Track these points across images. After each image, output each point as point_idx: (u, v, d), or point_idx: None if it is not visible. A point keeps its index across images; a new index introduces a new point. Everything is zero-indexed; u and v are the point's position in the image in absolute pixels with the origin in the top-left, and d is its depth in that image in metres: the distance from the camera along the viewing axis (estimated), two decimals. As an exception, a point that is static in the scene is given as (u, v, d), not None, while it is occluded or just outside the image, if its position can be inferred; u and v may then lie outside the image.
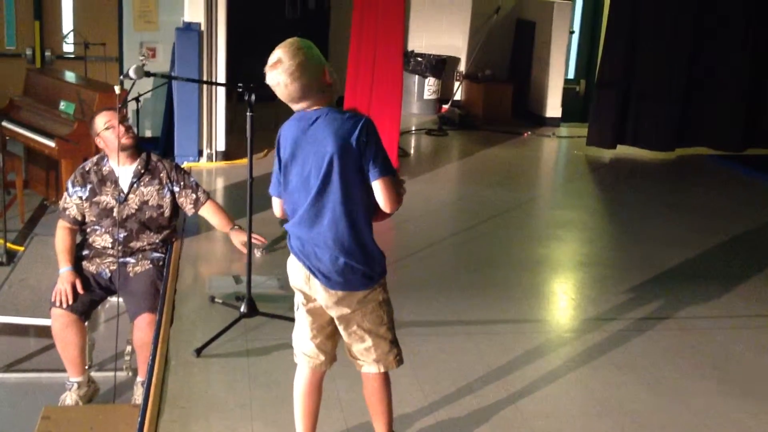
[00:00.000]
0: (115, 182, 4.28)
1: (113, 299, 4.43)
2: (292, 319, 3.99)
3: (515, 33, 10.78)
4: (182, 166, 4.56)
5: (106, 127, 4.23)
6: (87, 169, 4.34)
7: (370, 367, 2.84)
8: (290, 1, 10.57)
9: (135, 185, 4.29)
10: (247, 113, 3.85)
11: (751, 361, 3.99)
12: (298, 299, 2.88)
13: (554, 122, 9.89)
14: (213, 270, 4.84)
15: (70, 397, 4.12)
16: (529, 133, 9.47)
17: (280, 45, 2.70)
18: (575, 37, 10.98)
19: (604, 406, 3.47)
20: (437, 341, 3.97)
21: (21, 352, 4.77)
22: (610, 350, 4.00)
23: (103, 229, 4.28)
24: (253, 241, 4.21)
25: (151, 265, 4.29)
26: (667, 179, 8.04)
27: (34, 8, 8.67)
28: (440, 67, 10.41)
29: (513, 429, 3.25)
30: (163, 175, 4.34)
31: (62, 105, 6.74)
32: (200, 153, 7.37)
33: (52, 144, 6.42)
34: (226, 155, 7.49)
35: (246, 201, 3.97)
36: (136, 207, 4.29)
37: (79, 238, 4.44)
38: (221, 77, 7.29)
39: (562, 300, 4.81)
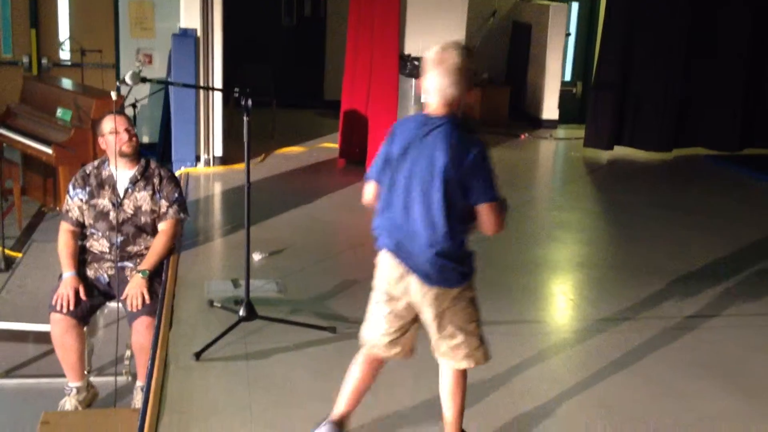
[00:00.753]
0: (113, 186, 4.29)
1: (112, 304, 4.43)
2: (291, 323, 4.04)
3: (511, 36, 10.80)
4: (176, 179, 4.51)
5: (110, 132, 4.24)
6: (88, 171, 4.35)
7: (459, 363, 2.91)
8: (287, 8, 10.59)
9: (130, 190, 4.30)
10: (244, 118, 3.86)
11: (747, 361, 3.99)
12: (381, 297, 2.90)
13: (551, 124, 9.90)
14: (211, 274, 4.84)
15: (69, 402, 4.11)
16: (527, 135, 9.48)
17: (450, 42, 2.83)
18: (571, 40, 11.00)
19: (603, 405, 3.47)
20: (436, 343, 3.97)
21: (20, 357, 4.76)
22: (609, 350, 4.00)
23: (100, 234, 4.28)
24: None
25: (149, 270, 4.29)
26: (664, 180, 8.05)
27: (30, 16, 8.68)
28: (437, 70, 10.42)
29: (512, 429, 3.25)
30: (156, 181, 4.35)
31: (59, 112, 6.75)
32: (198, 158, 7.37)
33: (49, 151, 6.42)
34: (224, 160, 7.49)
35: (243, 206, 3.97)
36: (131, 212, 4.30)
37: (79, 243, 4.44)
38: (218, 83, 7.30)
39: (561, 301, 4.82)
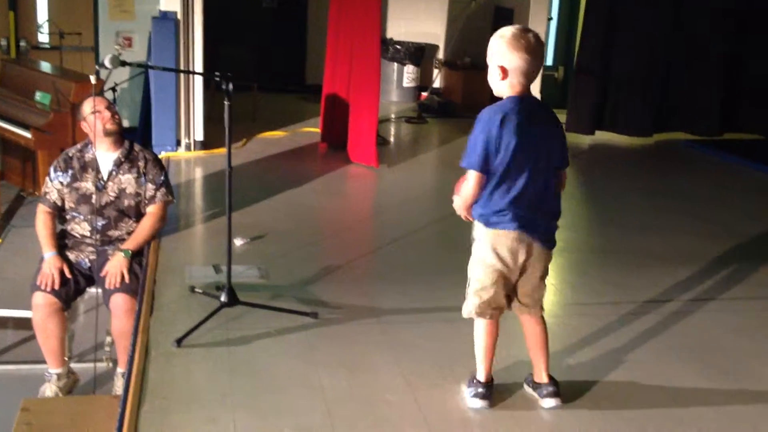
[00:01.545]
0: (97, 169, 4.26)
1: (92, 290, 4.41)
2: (273, 308, 4.03)
3: (493, 20, 10.78)
4: (161, 162, 4.50)
5: (91, 112, 4.21)
6: (70, 154, 4.33)
7: (538, 310, 3.28)
8: (267, -11, 10.53)
9: (114, 173, 4.28)
10: (225, 102, 3.83)
11: (728, 344, 4.02)
12: (497, 274, 3.14)
13: (533, 109, 9.90)
14: (193, 260, 4.82)
15: (49, 389, 4.10)
16: (508, 120, 9.48)
17: (533, 31, 3.03)
18: (553, 24, 11.01)
19: (583, 389, 3.49)
20: (418, 328, 3.98)
21: (-1, 344, 4.75)
22: (590, 334, 4.02)
23: (82, 217, 4.26)
24: None
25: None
26: (645, 164, 8.09)
27: (8, -2, 8.59)
28: (419, 54, 10.40)
29: (494, 413, 3.27)
30: (141, 164, 4.33)
31: (38, 95, 6.68)
32: (178, 143, 7.32)
33: (28, 135, 6.37)
34: (204, 145, 7.45)
35: (225, 191, 3.94)
36: (114, 195, 4.27)
37: (58, 228, 4.41)
38: (198, 66, 7.25)
39: (542, 286, 4.83)
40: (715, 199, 6.69)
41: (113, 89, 6.89)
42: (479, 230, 3.16)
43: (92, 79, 3.92)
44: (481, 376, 3.31)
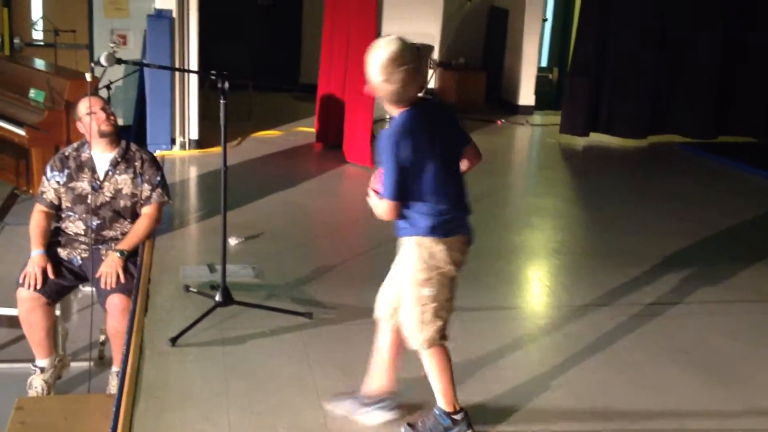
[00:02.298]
0: (93, 169, 4.25)
1: (86, 289, 4.39)
2: (268, 308, 4.03)
3: (488, 21, 10.80)
4: (158, 162, 4.49)
5: (87, 113, 4.20)
6: (66, 154, 4.31)
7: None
8: (262, -15, 10.51)
9: (110, 173, 4.27)
10: (221, 101, 3.82)
11: (721, 346, 4.04)
12: (449, 281, 2.99)
13: (527, 110, 9.93)
14: (187, 259, 4.82)
15: (36, 381, 4.09)
16: (503, 121, 9.50)
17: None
18: (548, 25, 11.01)
19: (578, 390, 3.50)
20: (412, 329, 3.98)
21: (-8, 342, 4.74)
22: (584, 336, 4.03)
23: (77, 216, 4.25)
24: None
25: (123, 253, 4.26)
26: (639, 167, 8.11)
27: (3, -6, 8.55)
28: (414, 54, 10.39)
29: (486, 414, 3.27)
30: (138, 164, 4.32)
31: (32, 93, 6.66)
32: (173, 141, 7.31)
33: (22, 132, 6.34)
34: (200, 144, 7.44)
35: (220, 190, 3.94)
36: (111, 195, 4.26)
37: (53, 225, 4.40)
38: (193, 65, 7.24)
39: (536, 287, 4.84)
40: (708, 201, 6.71)
41: (108, 87, 6.87)
42: (424, 245, 2.94)
43: (88, 76, 3.91)
44: (456, 405, 3.07)
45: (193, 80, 7.34)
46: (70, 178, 4.25)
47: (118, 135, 4.34)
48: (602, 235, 5.74)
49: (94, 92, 4.69)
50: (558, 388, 3.49)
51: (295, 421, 3.13)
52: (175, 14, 7.08)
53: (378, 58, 2.84)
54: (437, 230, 2.93)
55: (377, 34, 7.61)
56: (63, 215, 4.31)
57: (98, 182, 4.25)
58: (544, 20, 10.50)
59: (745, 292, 4.73)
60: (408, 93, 2.86)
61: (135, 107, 7.94)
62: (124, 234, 4.29)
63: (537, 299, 4.66)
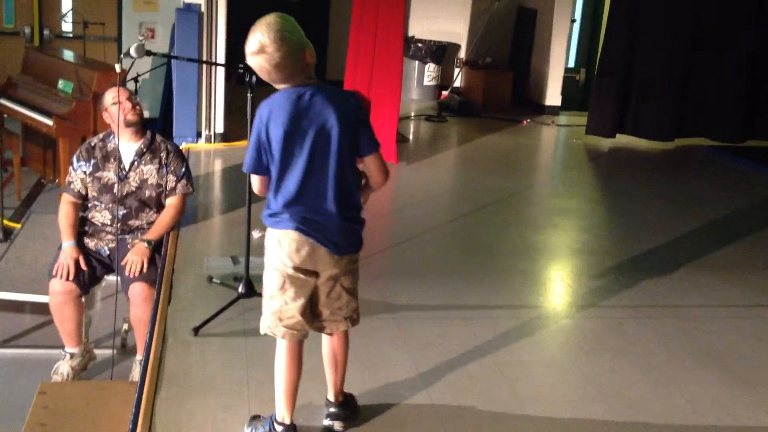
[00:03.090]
0: (119, 159, 4.29)
1: (110, 277, 4.43)
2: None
3: (516, 20, 10.76)
4: (183, 153, 4.52)
5: (113, 103, 4.23)
6: (93, 144, 4.35)
7: (339, 325, 2.93)
8: (291, -16, 10.53)
9: (136, 163, 4.30)
10: (248, 94, 3.84)
11: (746, 351, 3.99)
12: (284, 278, 2.79)
13: (554, 110, 9.89)
14: (211, 250, 4.84)
15: (63, 366, 4.14)
16: (529, 120, 9.47)
17: (260, 26, 2.76)
18: (576, 26, 10.97)
19: (599, 391, 3.48)
20: (434, 325, 3.98)
21: (17, 328, 4.78)
22: (606, 336, 4.01)
23: (103, 206, 4.29)
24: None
25: (149, 242, 4.29)
26: (665, 169, 8.04)
27: (33, -14, 8.63)
28: (440, 53, 10.39)
29: (508, 412, 3.26)
30: (163, 155, 4.35)
31: (60, 84, 6.72)
32: (199, 134, 7.35)
33: (49, 122, 6.40)
34: (225, 137, 7.47)
35: (244, 183, 3.95)
36: (136, 185, 4.29)
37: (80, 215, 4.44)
38: (221, 59, 7.27)
39: (559, 287, 4.82)
40: (735, 205, 6.64)
41: (135, 80, 6.92)
42: (268, 232, 2.84)
43: (117, 68, 3.94)
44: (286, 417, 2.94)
45: (220, 74, 7.38)
46: (96, 168, 4.28)
47: (143, 125, 4.37)
48: (626, 237, 5.69)
49: (122, 84, 4.72)
50: (579, 386, 3.46)
51: (315, 412, 3.13)
52: (203, 8, 7.12)
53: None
54: (268, 218, 2.81)
55: (405, 33, 7.62)
56: (89, 205, 4.34)
57: (124, 172, 4.28)
58: (573, 21, 10.45)
59: (772, 297, 4.69)
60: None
61: (162, 101, 8.00)
62: (150, 223, 4.32)
63: (559, 298, 4.64)
